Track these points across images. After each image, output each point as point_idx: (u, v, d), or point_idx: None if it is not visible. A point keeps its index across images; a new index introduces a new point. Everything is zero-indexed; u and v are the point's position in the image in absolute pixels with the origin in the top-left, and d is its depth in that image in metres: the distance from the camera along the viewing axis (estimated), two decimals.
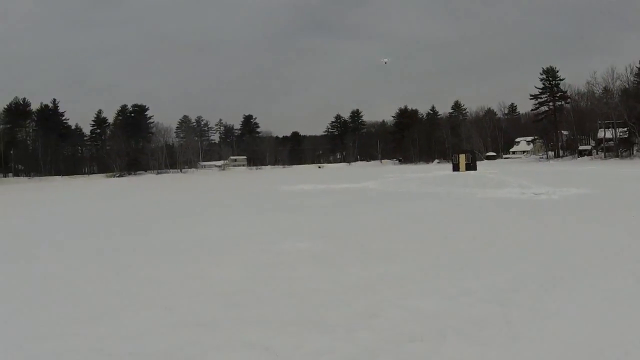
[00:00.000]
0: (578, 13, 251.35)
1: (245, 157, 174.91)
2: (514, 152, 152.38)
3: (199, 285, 6.97)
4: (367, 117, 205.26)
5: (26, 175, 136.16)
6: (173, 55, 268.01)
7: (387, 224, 12.84)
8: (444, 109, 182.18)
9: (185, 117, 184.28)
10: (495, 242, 9.41)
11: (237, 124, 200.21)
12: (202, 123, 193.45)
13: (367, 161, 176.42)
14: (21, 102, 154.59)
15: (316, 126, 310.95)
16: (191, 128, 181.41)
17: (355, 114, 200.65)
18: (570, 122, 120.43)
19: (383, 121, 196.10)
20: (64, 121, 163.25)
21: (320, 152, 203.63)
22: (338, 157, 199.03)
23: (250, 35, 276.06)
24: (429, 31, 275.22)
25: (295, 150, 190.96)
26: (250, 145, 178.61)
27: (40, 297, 6.87)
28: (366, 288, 6.43)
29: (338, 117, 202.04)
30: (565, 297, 5.78)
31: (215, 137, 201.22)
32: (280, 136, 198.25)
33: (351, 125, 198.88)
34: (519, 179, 32.76)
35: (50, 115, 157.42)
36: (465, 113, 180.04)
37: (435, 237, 10.26)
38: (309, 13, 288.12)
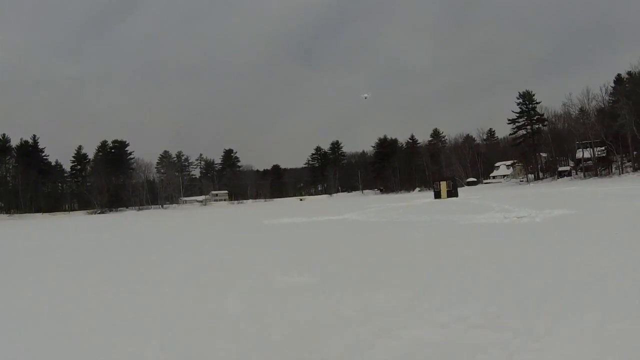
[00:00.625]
0: (553, 36, 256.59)
1: (226, 191, 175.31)
2: (494, 177, 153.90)
3: (194, 319, 6.95)
4: (347, 147, 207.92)
5: (6, 212, 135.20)
6: (155, 89, 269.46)
7: (374, 254, 12.88)
8: (423, 137, 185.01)
9: (166, 152, 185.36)
10: (483, 268, 9.47)
11: (217, 158, 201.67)
12: (183, 158, 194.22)
13: (349, 192, 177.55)
14: (1, 138, 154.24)
15: (297, 159, 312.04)
16: (172, 163, 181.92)
17: (336, 145, 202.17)
18: (549, 144, 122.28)
19: (363, 151, 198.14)
20: (44, 157, 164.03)
21: (302, 184, 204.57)
22: (319, 189, 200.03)
23: (231, 68, 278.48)
24: (408, 61, 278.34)
25: (277, 183, 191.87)
26: (231, 179, 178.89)
27: (32, 329, 6.81)
28: (360, 319, 6.44)
29: (318, 149, 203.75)
30: (558, 318, 5.84)
31: (196, 172, 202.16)
32: (261, 169, 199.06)
33: (331, 156, 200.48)
34: (501, 203, 33.00)
35: (31, 151, 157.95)
36: (445, 140, 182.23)
37: (423, 265, 10.31)
38: (290, 45, 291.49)
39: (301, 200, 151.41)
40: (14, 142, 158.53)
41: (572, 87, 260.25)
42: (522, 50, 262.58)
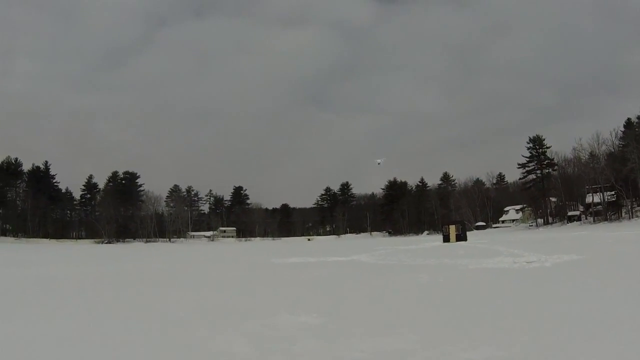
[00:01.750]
0: (562, 84, 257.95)
1: (234, 228, 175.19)
2: (503, 221, 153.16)
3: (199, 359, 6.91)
4: (357, 189, 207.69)
5: (14, 236, 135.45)
6: (168, 125, 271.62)
7: (383, 296, 12.83)
8: (433, 181, 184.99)
9: (176, 186, 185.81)
10: (491, 313, 9.42)
11: (227, 195, 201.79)
12: (192, 193, 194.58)
13: (357, 234, 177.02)
14: (13, 161, 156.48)
15: (306, 198, 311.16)
16: (181, 197, 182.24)
17: (345, 187, 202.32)
18: (558, 189, 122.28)
19: (373, 193, 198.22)
20: (55, 184, 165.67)
21: (310, 224, 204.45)
22: (327, 229, 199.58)
23: (243, 109, 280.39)
24: (419, 108, 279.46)
25: (285, 222, 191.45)
26: (240, 216, 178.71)
27: None
28: None
29: (328, 189, 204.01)
30: None
31: (205, 208, 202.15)
32: (270, 208, 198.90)
33: (341, 197, 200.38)
34: (510, 248, 32.82)
35: (42, 177, 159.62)
36: (454, 184, 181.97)
37: (431, 309, 10.27)
38: (303, 88, 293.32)
39: (309, 240, 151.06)
40: (26, 167, 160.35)
41: (582, 132, 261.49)
42: (531, 98, 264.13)
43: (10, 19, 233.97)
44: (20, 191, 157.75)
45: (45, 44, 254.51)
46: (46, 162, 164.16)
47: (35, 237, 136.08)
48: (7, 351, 7.63)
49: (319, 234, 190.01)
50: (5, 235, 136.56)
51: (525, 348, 6.66)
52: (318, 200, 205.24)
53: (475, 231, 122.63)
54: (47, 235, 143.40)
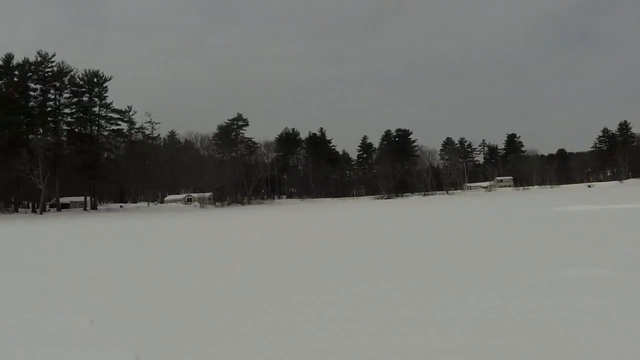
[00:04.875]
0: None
1: (511, 177, 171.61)
2: None
3: None
4: (638, 128, 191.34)
5: (299, 198, 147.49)
6: (429, 80, 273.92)
7: None
8: None
9: (449, 139, 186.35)
10: None
11: (500, 143, 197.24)
12: (466, 144, 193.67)
13: None
14: (291, 131, 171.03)
15: (582, 142, 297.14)
16: (455, 150, 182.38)
17: (624, 126, 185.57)
18: None
19: None
20: (332, 147, 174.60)
21: (589, 169, 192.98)
22: (608, 174, 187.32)
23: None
24: None
25: (563, 168, 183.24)
26: (516, 165, 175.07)
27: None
28: None
29: (605, 130, 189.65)
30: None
31: (480, 158, 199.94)
32: (546, 154, 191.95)
33: (620, 139, 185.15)
34: None
35: (319, 142, 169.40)
36: None
37: None
38: (553, 26, 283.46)
39: (589, 187, 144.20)
40: (303, 135, 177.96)
41: None
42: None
43: None
44: (301, 157, 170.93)
45: None
46: (321, 128, 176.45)
47: (318, 197, 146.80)
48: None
49: (599, 180, 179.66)
50: (292, 198, 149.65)
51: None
52: (596, 143, 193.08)
53: None
54: (329, 195, 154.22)
